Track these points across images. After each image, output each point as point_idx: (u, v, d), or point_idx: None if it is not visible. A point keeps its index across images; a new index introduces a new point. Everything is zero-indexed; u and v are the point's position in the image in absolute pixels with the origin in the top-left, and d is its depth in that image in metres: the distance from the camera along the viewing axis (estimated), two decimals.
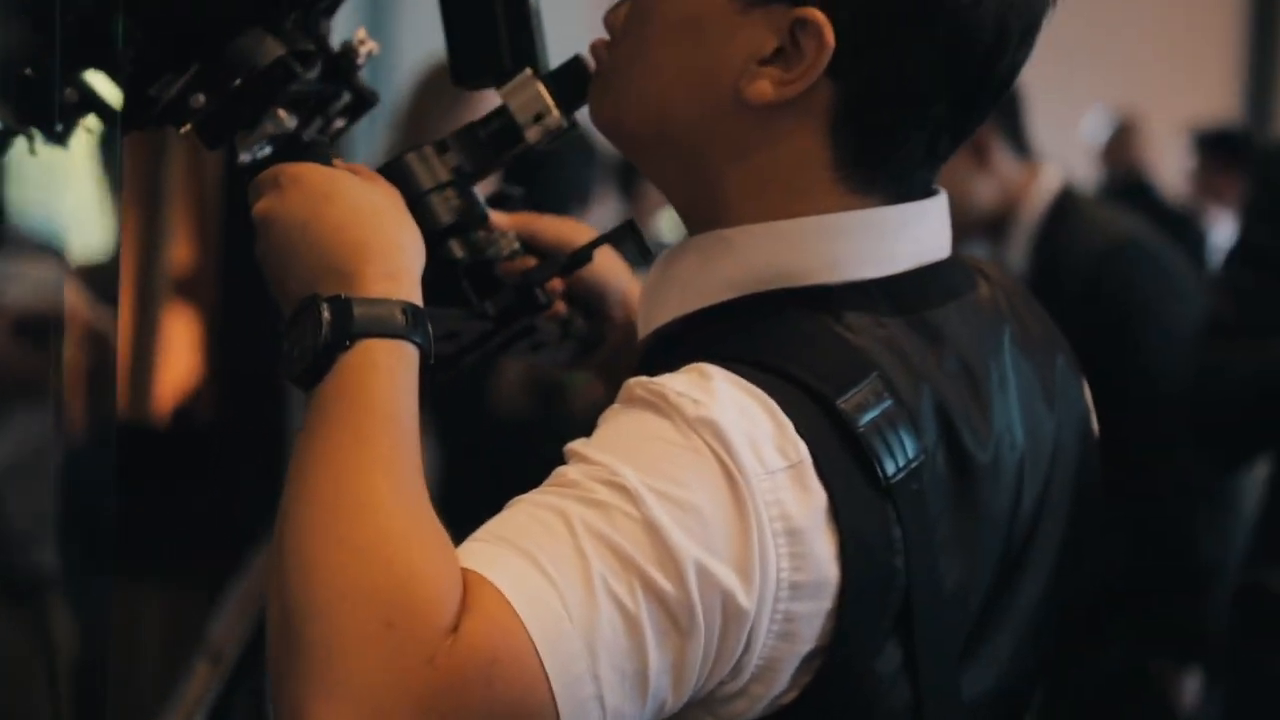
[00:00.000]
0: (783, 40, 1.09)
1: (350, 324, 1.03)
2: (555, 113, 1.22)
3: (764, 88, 1.10)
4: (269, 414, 3.08)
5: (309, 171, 1.12)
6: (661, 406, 1.02)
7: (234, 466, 3.07)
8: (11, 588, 1.51)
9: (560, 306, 1.37)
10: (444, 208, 1.21)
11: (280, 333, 1.07)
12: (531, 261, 1.30)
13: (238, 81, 1.15)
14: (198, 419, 3.21)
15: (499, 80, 1.22)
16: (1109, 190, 6.54)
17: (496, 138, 1.22)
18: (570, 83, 1.21)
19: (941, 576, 1.08)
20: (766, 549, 1.00)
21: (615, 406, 1.06)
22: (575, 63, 1.22)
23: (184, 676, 2.47)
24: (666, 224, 5.03)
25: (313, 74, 1.21)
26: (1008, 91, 1.17)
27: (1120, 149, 7.16)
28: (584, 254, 1.27)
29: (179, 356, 3.18)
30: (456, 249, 1.23)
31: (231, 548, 2.93)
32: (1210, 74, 8.53)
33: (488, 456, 2.90)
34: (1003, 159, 3.06)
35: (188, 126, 1.17)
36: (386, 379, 1.03)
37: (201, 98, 1.16)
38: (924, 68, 1.10)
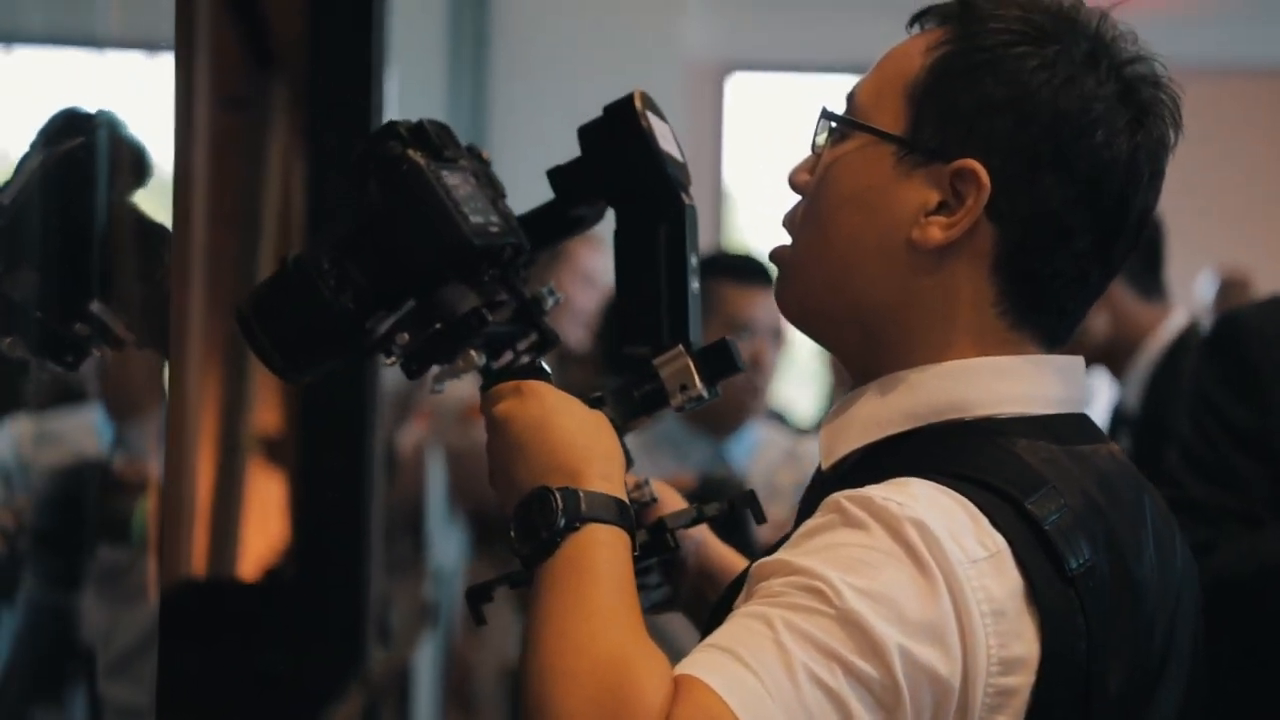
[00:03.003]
0: (945, 193, 1.28)
1: (579, 511, 1.22)
2: (698, 386, 1.39)
3: (933, 233, 1.28)
4: (349, 575, 3.12)
5: (545, 388, 1.33)
6: (859, 517, 1.18)
7: (314, 627, 3.11)
8: None
9: None
10: None
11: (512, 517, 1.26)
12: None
13: (438, 326, 1.35)
14: (278, 579, 3.26)
15: (655, 350, 1.40)
16: None
17: (647, 399, 1.40)
18: (715, 361, 1.40)
19: (1109, 672, 1.22)
20: (975, 628, 1.15)
21: (816, 520, 1.21)
22: (722, 344, 1.40)
23: None
24: None
25: (504, 316, 1.39)
26: (1146, 227, 1.34)
27: (1228, 305, 7.10)
28: (723, 513, 1.45)
29: (261, 517, 3.24)
30: None
31: (308, 709, 2.96)
32: None
33: None
34: (1120, 293, 3.08)
35: (393, 360, 1.37)
36: (608, 553, 1.21)
37: (406, 336, 1.35)
38: (1068, 203, 1.28)
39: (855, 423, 1.32)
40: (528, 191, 1.50)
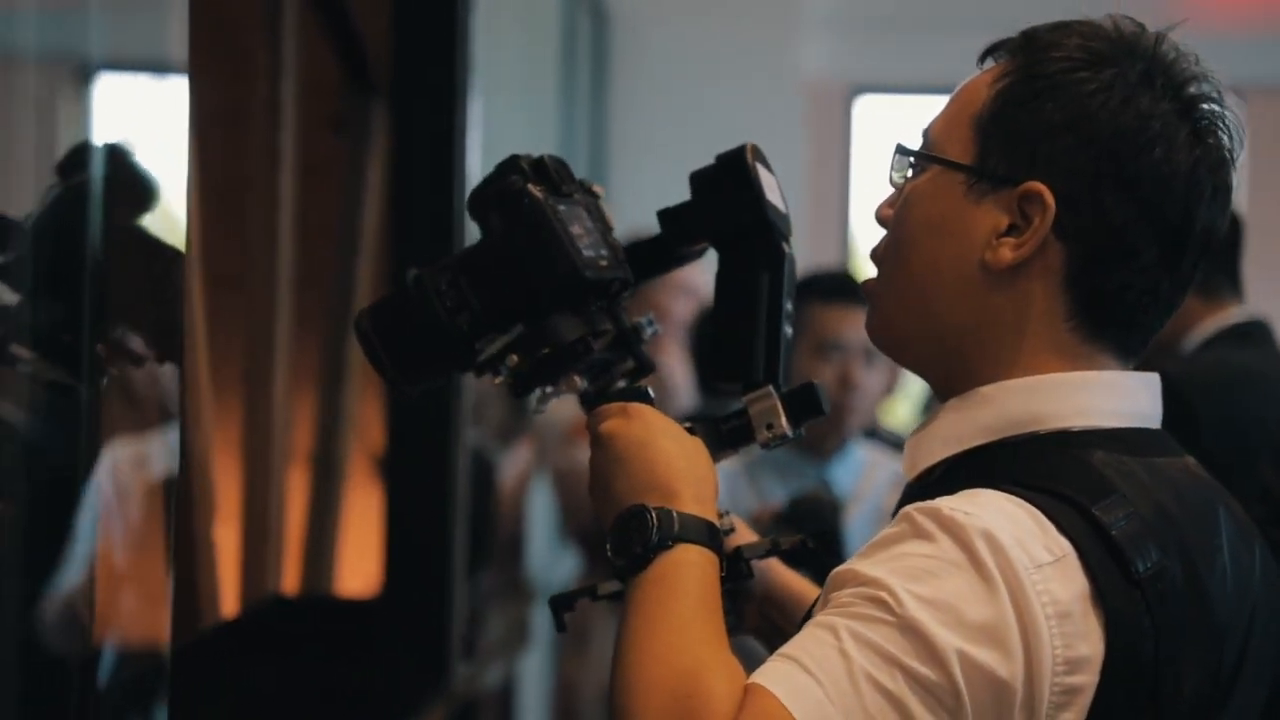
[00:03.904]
0: (1013, 215, 1.34)
1: (673, 530, 1.31)
2: (783, 425, 1.47)
3: (1004, 253, 1.34)
4: (435, 593, 3.14)
5: (650, 410, 1.42)
6: (927, 528, 1.24)
7: (399, 644, 3.13)
8: None
9: None
10: None
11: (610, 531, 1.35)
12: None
13: (546, 350, 1.43)
14: (363, 595, 3.29)
15: (746, 388, 1.48)
16: None
17: (734, 433, 1.48)
18: (801, 402, 1.48)
19: (1181, 676, 1.26)
20: (1039, 631, 1.20)
21: (888, 530, 1.27)
22: (809, 387, 1.48)
23: None
24: None
25: (605, 343, 1.48)
26: (1214, 240, 1.37)
27: None
28: (800, 546, 1.52)
29: (346, 534, 3.27)
30: None
31: None
32: None
33: None
34: None
35: (500, 379, 1.46)
36: (697, 572, 1.30)
37: (515, 358, 1.44)
38: (1131, 219, 1.32)
39: (936, 437, 1.37)
40: (646, 199, 1.58)
